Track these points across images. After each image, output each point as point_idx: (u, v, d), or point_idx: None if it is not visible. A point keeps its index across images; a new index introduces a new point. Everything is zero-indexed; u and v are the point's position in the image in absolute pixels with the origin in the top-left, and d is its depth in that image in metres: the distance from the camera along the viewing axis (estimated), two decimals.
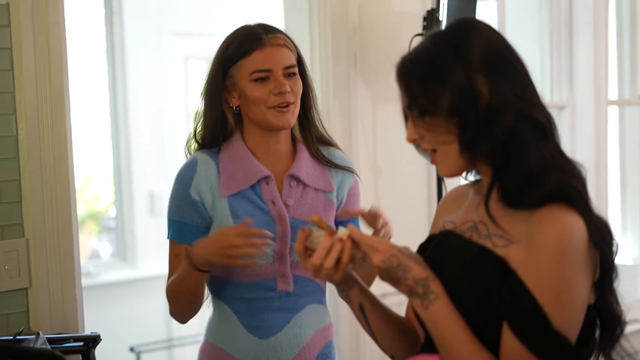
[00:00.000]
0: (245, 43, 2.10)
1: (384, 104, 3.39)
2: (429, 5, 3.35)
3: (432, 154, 1.59)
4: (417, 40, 3.16)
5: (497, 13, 3.86)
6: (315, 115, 2.23)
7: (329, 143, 2.26)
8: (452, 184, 3.55)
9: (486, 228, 1.56)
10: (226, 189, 2.11)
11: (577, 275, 1.45)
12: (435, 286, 1.53)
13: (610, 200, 4.36)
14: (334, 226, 2.21)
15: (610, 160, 4.30)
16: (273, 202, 2.13)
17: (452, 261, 1.59)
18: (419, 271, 1.54)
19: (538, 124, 1.51)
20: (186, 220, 2.12)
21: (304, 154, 2.20)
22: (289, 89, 2.09)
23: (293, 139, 2.23)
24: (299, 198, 2.17)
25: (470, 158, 1.54)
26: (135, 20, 5.54)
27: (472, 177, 1.68)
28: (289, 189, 2.16)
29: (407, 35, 3.30)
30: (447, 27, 1.61)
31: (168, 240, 2.17)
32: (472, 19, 1.64)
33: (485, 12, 3.97)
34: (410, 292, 1.54)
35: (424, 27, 3.02)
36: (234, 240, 1.94)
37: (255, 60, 2.09)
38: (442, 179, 3.19)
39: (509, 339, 1.47)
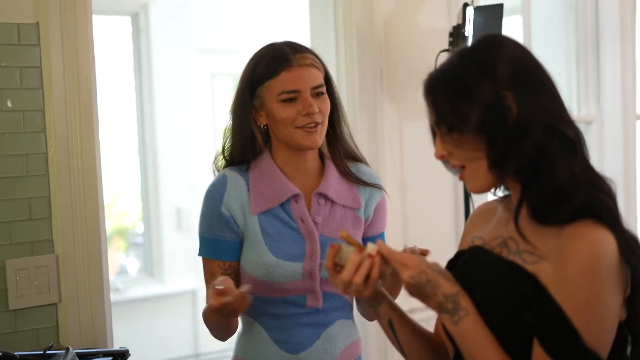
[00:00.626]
0: (273, 63, 2.09)
1: (410, 119, 3.39)
2: (454, 21, 3.36)
3: (460, 170, 1.59)
4: (444, 56, 3.18)
5: (522, 27, 3.86)
6: (344, 131, 2.23)
7: (357, 159, 2.27)
8: (480, 199, 3.54)
9: (516, 244, 1.56)
10: (256, 207, 2.12)
11: (608, 291, 1.44)
12: (465, 302, 1.53)
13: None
14: (362, 243, 2.21)
15: (639, 174, 4.27)
16: (302, 220, 2.13)
17: (481, 277, 1.58)
18: (448, 287, 1.54)
19: (567, 139, 1.51)
20: (219, 236, 2.12)
21: (332, 171, 2.20)
22: (317, 110, 2.09)
23: (321, 155, 2.23)
24: (327, 215, 2.17)
25: (499, 174, 1.54)
26: (162, 38, 5.59)
27: (500, 193, 1.68)
28: (317, 207, 2.16)
29: (433, 50, 3.30)
30: (474, 43, 1.61)
31: (201, 258, 2.17)
32: (498, 34, 1.63)
33: (512, 27, 3.98)
34: (439, 308, 1.54)
35: (450, 43, 3.02)
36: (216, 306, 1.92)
37: (283, 81, 2.09)
38: (470, 195, 3.18)
39: (539, 356, 1.47)
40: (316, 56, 2.15)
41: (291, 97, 2.09)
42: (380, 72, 3.29)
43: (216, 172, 2.22)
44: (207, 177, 5.65)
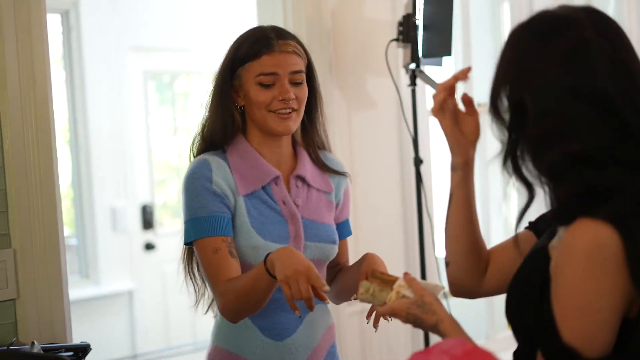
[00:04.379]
0: (256, 46, 2.11)
1: (359, 110, 3.42)
2: (399, 12, 3.40)
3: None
4: (393, 46, 3.22)
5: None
6: (320, 121, 2.25)
7: (325, 148, 2.29)
8: (431, 188, 3.60)
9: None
10: (243, 188, 2.11)
11: (596, 285, 1.39)
12: (444, 328, 1.62)
13: None
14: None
15: None
16: (284, 202, 2.14)
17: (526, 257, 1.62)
18: (428, 320, 1.65)
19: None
20: (216, 212, 2.07)
21: (305, 157, 2.22)
22: (293, 96, 2.11)
23: (292, 141, 2.24)
24: (305, 198, 2.19)
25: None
26: (94, 35, 5.50)
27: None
28: (296, 189, 2.18)
29: (380, 40, 3.34)
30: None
31: (194, 242, 2.10)
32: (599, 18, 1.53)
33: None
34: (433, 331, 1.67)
35: (400, 32, 3.05)
36: (310, 297, 1.87)
37: (263, 64, 2.10)
38: (422, 183, 3.22)
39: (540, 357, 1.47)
40: (300, 44, 2.16)
41: (269, 81, 2.10)
42: (329, 62, 3.31)
43: (192, 157, 2.20)
44: (142, 176, 5.57)
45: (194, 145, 2.22)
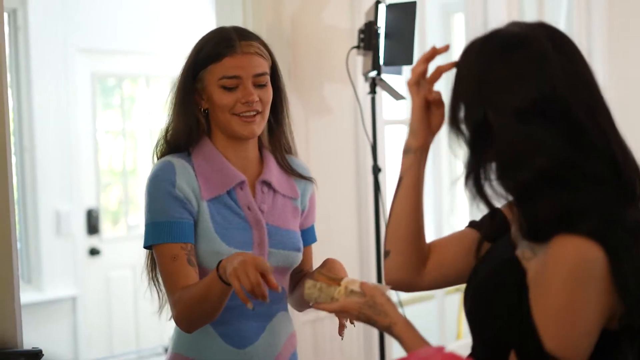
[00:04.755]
0: (218, 48, 2.06)
1: (316, 116, 3.40)
2: (358, 20, 3.40)
3: None
4: (353, 53, 3.21)
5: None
6: (286, 123, 2.21)
7: (291, 151, 2.25)
8: (387, 196, 3.59)
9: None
10: (207, 192, 2.07)
11: (582, 298, 1.41)
12: (397, 331, 1.62)
13: None
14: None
15: None
16: (249, 208, 2.10)
17: (487, 265, 1.62)
18: (381, 321, 1.64)
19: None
20: (176, 218, 2.03)
21: (272, 161, 2.18)
22: (256, 99, 2.07)
23: (258, 145, 2.21)
24: (271, 204, 2.15)
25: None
26: (41, 36, 5.40)
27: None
28: (261, 195, 2.13)
29: (340, 48, 3.34)
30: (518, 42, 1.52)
31: (153, 247, 2.06)
32: (549, 31, 1.54)
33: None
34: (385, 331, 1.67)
35: (362, 40, 3.04)
36: (261, 283, 1.80)
37: (225, 67, 2.06)
38: (379, 190, 3.21)
39: (513, 356, 1.48)
40: (264, 45, 2.12)
41: (232, 84, 2.06)
42: (288, 68, 3.29)
43: (156, 159, 2.16)
44: (88, 180, 5.48)
45: (158, 149, 2.17)
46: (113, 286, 5.77)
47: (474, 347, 1.63)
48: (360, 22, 3.32)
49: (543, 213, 1.45)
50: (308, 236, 2.27)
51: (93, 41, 5.69)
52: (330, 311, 1.73)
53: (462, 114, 1.53)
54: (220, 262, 1.88)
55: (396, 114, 4.69)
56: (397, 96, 3.10)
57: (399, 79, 3.24)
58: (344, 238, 3.53)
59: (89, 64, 5.70)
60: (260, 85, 2.09)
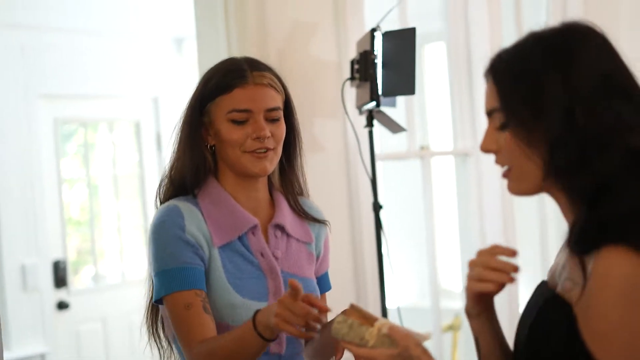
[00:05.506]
0: (227, 78, 1.90)
1: (308, 153, 3.23)
2: (344, 52, 3.27)
3: (506, 169, 1.45)
4: (349, 85, 3.05)
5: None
6: (299, 162, 2.05)
7: (302, 193, 2.10)
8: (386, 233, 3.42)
9: (565, 270, 1.42)
10: (218, 239, 1.89)
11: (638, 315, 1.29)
12: None
13: None
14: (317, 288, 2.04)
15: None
16: (262, 255, 1.93)
17: (531, 313, 1.46)
18: None
19: None
20: (188, 264, 1.85)
21: (284, 203, 2.02)
22: (268, 134, 1.91)
23: (269, 185, 2.04)
24: (284, 250, 1.98)
25: (553, 184, 1.40)
26: (2, 82, 5.19)
27: None
28: (275, 240, 1.97)
29: (328, 81, 3.20)
30: (556, 33, 1.45)
31: (164, 298, 1.88)
32: (587, 28, 1.46)
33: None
34: None
35: (357, 71, 2.89)
36: (311, 310, 1.66)
37: (235, 99, 1.90)
38: (382, 227, 3.04)
39: None
40: (277, 77, 1.96)
41: (242, 118, 1.90)
42: None
43: (159, 202, 1.97)
44: (54, 230, 5.23)
45: (161, 190, 1.99)
46: (83, 341, 5.52)
47: None
48: (349, 53, 3.18)
49: (622, 209, 1.31)
50: (323, 283, 2.12)
51: (55, 87, 5.49)
52: (356, 356, 1.55)
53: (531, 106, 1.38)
54: (255, 316, 1.72)
55: (387, 148, 4.57)
56: (397, 129, 2.95)
57: (393, 111, 3.09)
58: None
59: (51, 110, 5.49)
60: (272, 120, 1.93)
